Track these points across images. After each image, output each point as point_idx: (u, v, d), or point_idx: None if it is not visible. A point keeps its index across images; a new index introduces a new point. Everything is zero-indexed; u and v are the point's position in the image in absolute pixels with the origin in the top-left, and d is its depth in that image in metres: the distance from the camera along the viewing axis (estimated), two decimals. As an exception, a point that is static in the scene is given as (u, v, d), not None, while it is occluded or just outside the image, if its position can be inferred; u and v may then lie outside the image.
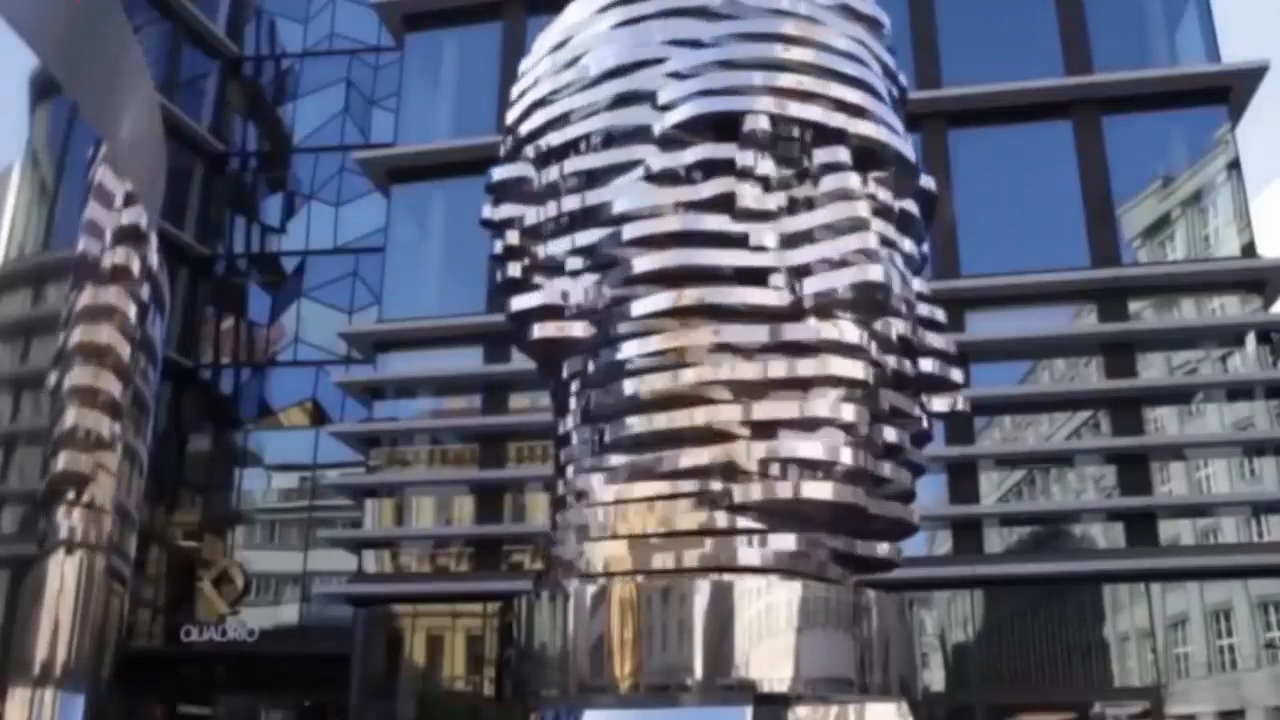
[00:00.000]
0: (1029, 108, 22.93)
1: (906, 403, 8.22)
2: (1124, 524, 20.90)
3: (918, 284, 8.46)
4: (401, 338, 24.95)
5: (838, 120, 8.16)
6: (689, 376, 7.71)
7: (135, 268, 13.06)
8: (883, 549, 8.21)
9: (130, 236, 13.16)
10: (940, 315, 8.64)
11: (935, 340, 8.47)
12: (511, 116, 9.22)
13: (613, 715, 7.87)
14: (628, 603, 7.37)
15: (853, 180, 8.00)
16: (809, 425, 7.67)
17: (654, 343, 7.84)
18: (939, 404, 8.58)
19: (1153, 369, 21.68)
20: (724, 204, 7.97)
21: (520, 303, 8.63)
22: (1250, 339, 21.41)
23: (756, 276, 7.88)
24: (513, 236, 8.75)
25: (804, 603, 7.39)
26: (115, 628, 12.65)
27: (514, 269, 8.74)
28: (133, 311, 12.96)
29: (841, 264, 7.79)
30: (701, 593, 7.28)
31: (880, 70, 8.75)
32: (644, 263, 7.99)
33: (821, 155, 8.09)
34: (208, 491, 31.58)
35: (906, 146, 8.56)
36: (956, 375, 8.56)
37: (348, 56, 33.47)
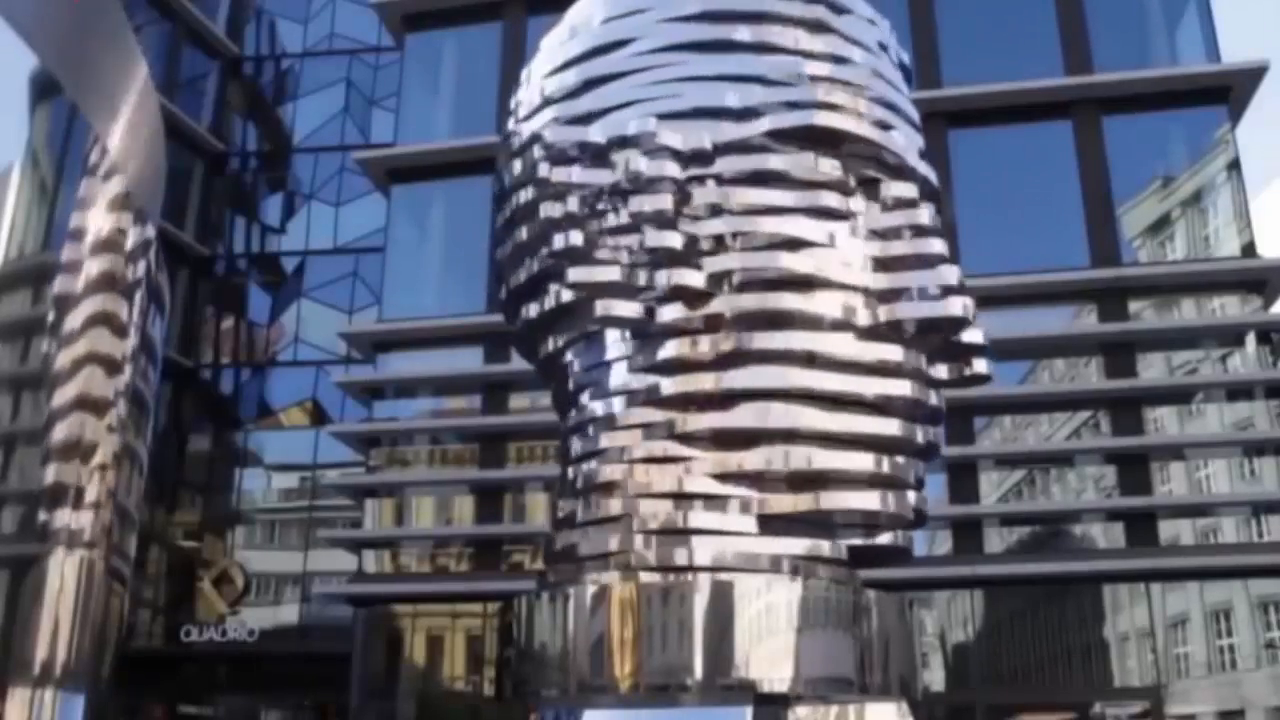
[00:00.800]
0: (1029, 108, 22.94)
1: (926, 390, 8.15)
2: (1124, 524, 20.91)
3: (938, 245, 8.24)
4: (401, 338, 24.96)
5: (913, 159, 8.32)
6: (743, 379, 7.67)
7: (134, 268, 13.04)
8: (891, 538, 8.18)
9: (129, 236, 13.14)
10: (955, 278, 8.06)
11: (953, 306, 8.07)
12: (572, 80, 8.56)
13: (613, 715, 7.86)
14: (628, 602, 7.36)
15: (924, 215, 8.07)
16: (857, 439, 7.71)
17: (723, 343, 7.73)
18: (944, 372, 8.34)
19: (1153, 369, 21.69)
20: (811, 215, 7.92)
21: (580, 275, 7.99)
22: (1250, 339, 21.43)
23: (832, 293, 7.85)
24: (573, 203, 8.11)
25: (804, 603, 7.38)
26: (115, 628, 12.62)
27: (575, 237, 8.05)
28: (132, 312, 12.94)
29: (923, 295, 7.87)
30: (701, 592, 7.26)
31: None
32: (717, 263, 7.80)
33: (896, 189, 8.12)
34: (208, 491, 31.61)
35: (932, 173, 8.68)
36: (973, 336, 8.20)
37: (348, 56, 33.50)
